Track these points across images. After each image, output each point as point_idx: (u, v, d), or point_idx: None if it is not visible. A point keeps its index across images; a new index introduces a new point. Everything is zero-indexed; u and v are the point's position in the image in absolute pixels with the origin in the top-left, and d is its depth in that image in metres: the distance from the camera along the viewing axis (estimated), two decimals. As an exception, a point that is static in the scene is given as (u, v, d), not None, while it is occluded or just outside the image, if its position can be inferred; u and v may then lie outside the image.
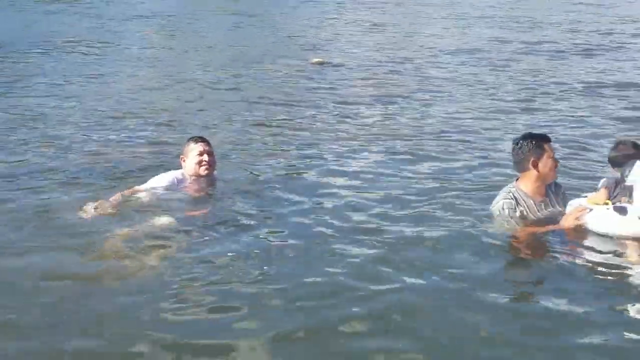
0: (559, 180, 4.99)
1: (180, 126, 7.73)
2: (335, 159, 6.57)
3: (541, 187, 4.80)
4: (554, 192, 4.90)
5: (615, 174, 4.68)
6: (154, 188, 5.36)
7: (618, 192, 4.57)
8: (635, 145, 4.75)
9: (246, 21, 17.50)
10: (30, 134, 7.29)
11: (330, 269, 4.19)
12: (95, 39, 14.06)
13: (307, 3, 21.07)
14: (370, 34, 15.42)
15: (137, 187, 5.38)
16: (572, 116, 8.21)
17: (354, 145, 6.99)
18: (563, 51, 12.75)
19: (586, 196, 4.74)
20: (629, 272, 4.14)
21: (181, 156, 5.60)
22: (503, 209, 4.73)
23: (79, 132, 7.45)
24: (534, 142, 4.76)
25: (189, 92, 9.71)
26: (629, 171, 4.44)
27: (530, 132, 5.03)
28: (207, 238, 4.64)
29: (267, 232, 4.78)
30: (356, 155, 6.68)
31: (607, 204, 4.55)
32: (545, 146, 4.74)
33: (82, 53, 12.54)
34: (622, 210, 4.42)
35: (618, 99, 8.95)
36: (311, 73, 10.89)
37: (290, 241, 4.62)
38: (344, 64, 11.55)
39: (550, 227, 4.64)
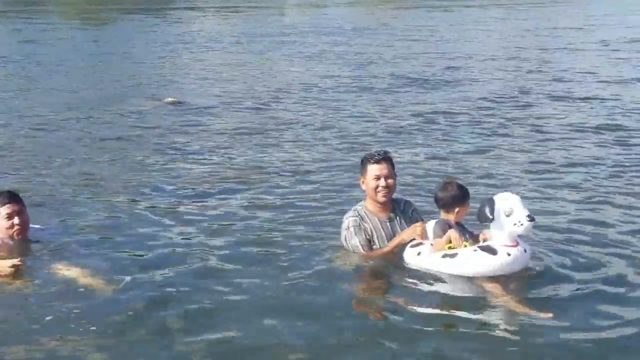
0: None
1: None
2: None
3: (382, 205, 5.05)
4: (402, 210, 5.15)
5: (446, 215, 4.89)
6: None
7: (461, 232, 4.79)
8: (460, 186, 4.95)
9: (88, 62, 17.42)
10: None
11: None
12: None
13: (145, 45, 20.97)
14: (219, 73, 15.83)
15: None
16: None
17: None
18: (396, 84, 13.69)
19: (420, 243, 4.92)
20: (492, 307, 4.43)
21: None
22: (348, 227, 5.02)
23: None
24: (362, 161, 5.12)
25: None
26: (491, 209, 4.57)
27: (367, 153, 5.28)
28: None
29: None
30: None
31: (466, 246, 4.71)
32: (369, 166, 5.00)
33: None
34: (491, 251, 4.61)
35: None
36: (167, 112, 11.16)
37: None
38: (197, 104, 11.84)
39: (391, 245, 4.96)
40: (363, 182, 5.08)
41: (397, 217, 5.12)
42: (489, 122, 10.23)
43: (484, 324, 4.26)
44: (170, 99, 11.89)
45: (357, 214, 5.06)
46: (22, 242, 5.09)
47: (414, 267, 4.86)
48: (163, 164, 8.07)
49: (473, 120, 10.40)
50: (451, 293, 4.63)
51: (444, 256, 4.74)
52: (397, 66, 16.02)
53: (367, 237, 5.01)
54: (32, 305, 4.47)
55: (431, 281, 4.72)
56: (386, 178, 4.98)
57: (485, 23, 27.46)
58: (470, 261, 4.63)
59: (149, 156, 8.45)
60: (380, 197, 5.00)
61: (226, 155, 8.52)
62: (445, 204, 4.89)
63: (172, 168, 7.90)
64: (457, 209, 4.86)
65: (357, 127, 9.96)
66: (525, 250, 4.70)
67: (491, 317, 4.33)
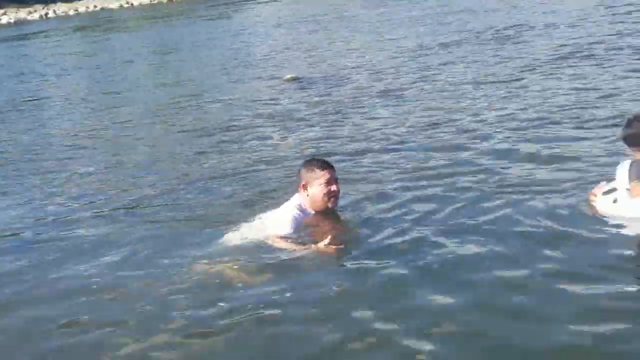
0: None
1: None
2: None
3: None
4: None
5: (631, 153, 4.32)
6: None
7: None
8: None
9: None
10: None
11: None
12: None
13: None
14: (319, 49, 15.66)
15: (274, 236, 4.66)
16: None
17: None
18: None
19: (614, 189, 4.40)
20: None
21: (302, 183, 4.87)
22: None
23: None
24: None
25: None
26: None
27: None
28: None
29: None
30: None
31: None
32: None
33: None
34: None
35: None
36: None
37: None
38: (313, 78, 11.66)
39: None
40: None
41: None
42: None
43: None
44: (289, 76, 11.76)
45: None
46: (332, 212, 4.93)
47: (611, 216, 4.33)
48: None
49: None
50: None
51: None
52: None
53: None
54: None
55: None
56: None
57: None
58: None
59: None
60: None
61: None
62: (636, 141, 4.25)
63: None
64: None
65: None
66: None
67: None
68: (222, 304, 3.97)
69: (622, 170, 4.31)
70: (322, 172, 4.78)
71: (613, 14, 13.44)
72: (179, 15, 34.60)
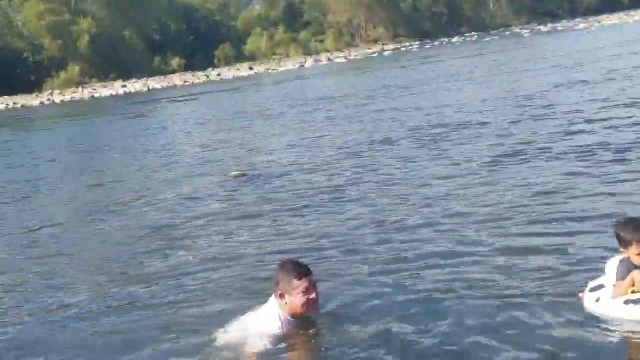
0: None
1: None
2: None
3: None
4: None
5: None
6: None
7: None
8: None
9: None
10: None
11: None
12: None
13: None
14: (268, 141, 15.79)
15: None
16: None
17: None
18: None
19: (601, 285, 4.43)
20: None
21: (279, 292, 4.65)
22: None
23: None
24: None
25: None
26: None
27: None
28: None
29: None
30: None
31: None
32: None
33: None
34: None
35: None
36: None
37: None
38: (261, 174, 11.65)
39: None
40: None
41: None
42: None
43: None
44: (235, 173, 11.77)
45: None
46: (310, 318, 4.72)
47: (594, 314, 4.36)
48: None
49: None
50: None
51: (627, 302, 4.16)
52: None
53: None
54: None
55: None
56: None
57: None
58: None
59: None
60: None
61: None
62: (622, 240, 4.30)
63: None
64: (632, 246, 4.22)
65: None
66: None
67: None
68: None
69: (612, 266, 4.38)
70: (299, 282, 4.58)
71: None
72: (99, 113, 34.38)
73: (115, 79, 65.64)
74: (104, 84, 63.93)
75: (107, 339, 5.30)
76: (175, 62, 72.63)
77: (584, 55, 27.45)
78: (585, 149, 9.80)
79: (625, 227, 4.31)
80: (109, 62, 68.98)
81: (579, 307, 4.59)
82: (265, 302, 4.84)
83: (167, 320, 5.52)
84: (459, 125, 13.94)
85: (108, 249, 8.17)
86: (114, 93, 52.90)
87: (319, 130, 16.61)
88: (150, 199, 10.93)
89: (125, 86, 57.19)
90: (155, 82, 57.42)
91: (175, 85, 53.13)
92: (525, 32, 64.28)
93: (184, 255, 7.38)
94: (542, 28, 67.66)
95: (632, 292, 4.21)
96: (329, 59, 61.82)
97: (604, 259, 4.68)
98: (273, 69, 56.98)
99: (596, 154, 9.43)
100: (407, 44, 73.92)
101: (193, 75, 61.57)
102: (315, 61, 60.90)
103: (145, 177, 13.33)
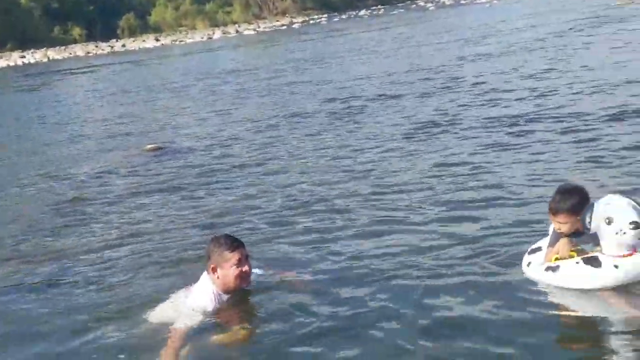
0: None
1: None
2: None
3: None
4: None
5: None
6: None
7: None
8: (563, 191, 4.44)
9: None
10: None
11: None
12: None
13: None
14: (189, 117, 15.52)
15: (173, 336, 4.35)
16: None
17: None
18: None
19: (539, 248, 4.55)
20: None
21: (211, 265, 4.62)
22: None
23: None
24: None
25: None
26: (590, 217, 4.15)
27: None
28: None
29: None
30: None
31: (572, 256, 4.30)
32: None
33: None
34: (595, 262, 4.18)
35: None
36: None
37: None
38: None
39: None
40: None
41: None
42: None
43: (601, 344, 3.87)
44: (150, 146, 11.58)
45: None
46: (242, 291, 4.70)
47: (526, 277, 4.54)
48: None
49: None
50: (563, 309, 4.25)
51: (547, 269, 4.36)
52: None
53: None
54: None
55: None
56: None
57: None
58: (572, 274, 4.23)
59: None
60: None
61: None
62: (549, 208, 4.43)
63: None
64: (551, 216, 4.42)
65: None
66: None
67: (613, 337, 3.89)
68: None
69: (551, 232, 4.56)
70: (232, 254, 4.56)
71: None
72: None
73: (12, 50, 62.65)
74: (0, 54, 60.90)
75: (20, 322, 5.12)
76: (76, 31, 70.01)
77: (486, 29, 28.35)
78: (493, 120, 10.20)
79: (553, 196, 4.47)
80: (5, 31, 65.70)
81: (507, 273, 4.76)
82: (197, 280, 4.82)
83: (90, 300, 5.32)
84: (372, 98, 14.15)
85: (17, 226, 7.89)
86: (11, 64, 50.54)
87: (231, 104, 16.53)
88: (60, 174, 10.64)
89: (24, 57, 54.69)
90: (56, 53, 55.26)
91: (77, 56, 51.37)
92: (430, 5, 65.66)
93: (102, 232, 7.24)
94: (446, 1, 69.11)
95: (556, 259, 4.39)
96: (237, 31, 61.20)
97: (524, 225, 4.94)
98: (180, 41, 55.94)
99: (504, 123, 9.82)
100: (316, 17, 74.03)
101: (96, 47, 59.61)
102: (224, 33, 60.15)
103: (52, 152, 12.91)
